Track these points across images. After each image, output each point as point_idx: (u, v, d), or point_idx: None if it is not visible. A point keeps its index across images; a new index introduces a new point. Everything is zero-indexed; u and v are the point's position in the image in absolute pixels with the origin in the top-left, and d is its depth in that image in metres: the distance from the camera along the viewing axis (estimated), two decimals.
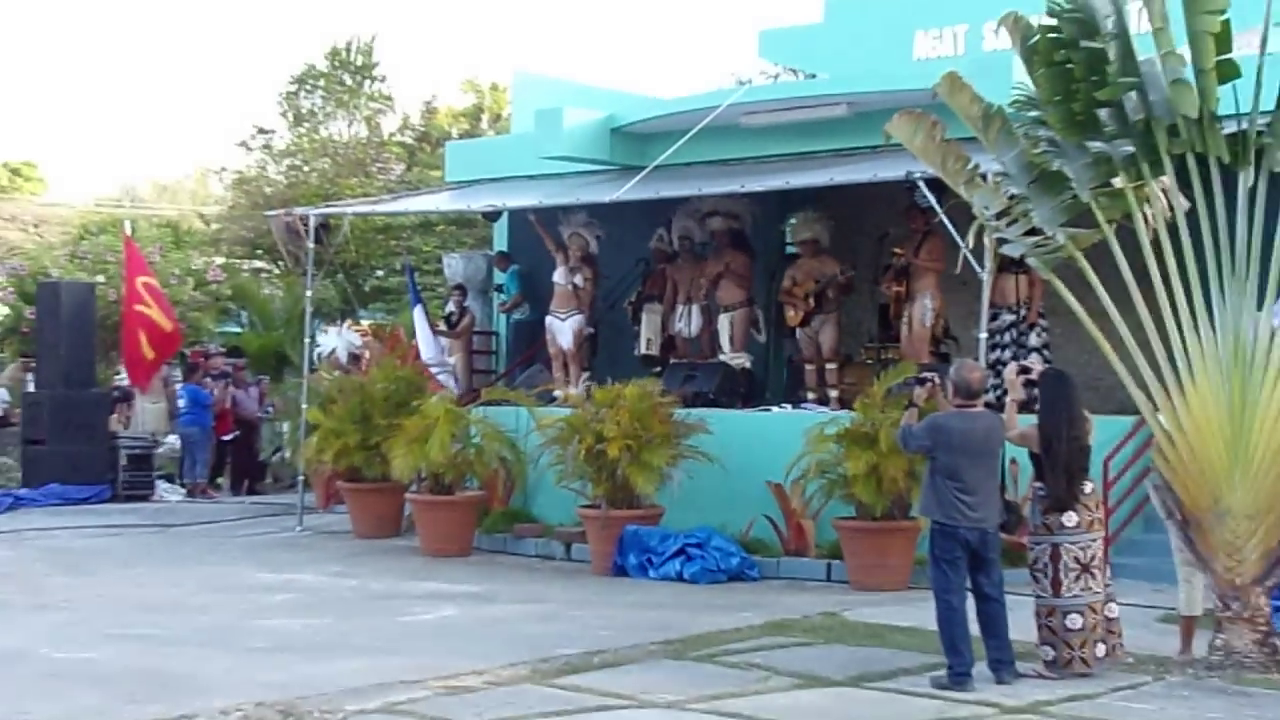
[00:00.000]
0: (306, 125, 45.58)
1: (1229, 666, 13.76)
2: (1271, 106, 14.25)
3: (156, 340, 29.80)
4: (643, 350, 23.83)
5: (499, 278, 26.76)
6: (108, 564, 21.09)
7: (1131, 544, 17.42)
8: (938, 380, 15.19)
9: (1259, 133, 14.28)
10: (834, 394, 21.12)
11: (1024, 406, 15.03)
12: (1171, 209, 14.24)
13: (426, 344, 24.47)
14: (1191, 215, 14.23)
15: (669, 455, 20.18)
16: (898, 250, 21.70)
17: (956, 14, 22.46)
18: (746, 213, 23.29)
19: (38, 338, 30.56)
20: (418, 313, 25.32)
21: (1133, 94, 14.46)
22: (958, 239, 17.88)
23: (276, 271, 35.26)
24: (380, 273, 34.75)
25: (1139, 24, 14.72)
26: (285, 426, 28.99)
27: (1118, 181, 14.48)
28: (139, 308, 29.39)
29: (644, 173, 21.80)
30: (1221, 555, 14.07)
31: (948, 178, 15.99)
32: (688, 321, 23.75)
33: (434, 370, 23.62)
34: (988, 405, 14.61)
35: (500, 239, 26.83)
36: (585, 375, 22.91)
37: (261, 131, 46.15)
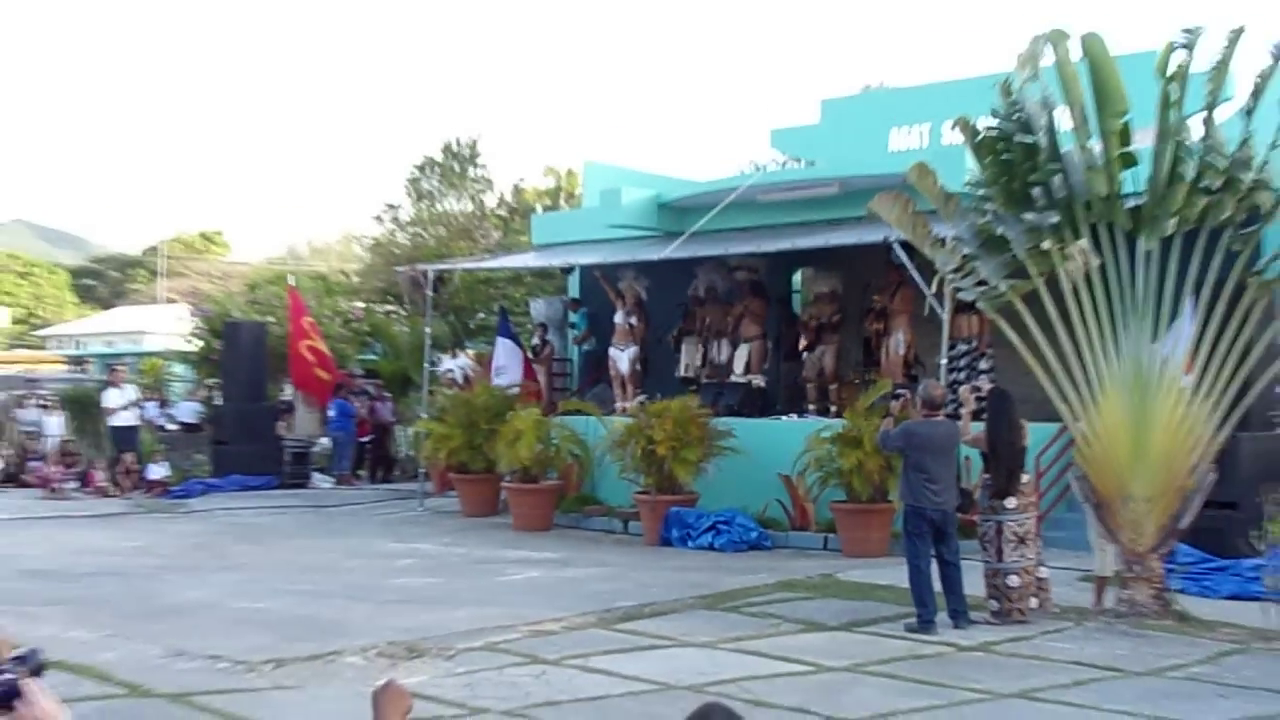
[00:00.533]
0: (425, 201, 45.71)
1: (1132, 615, 13.80)
2: (1163, 189, 14.31)
3: (325, 364, 30.08)
4: (682, 373, 23.81)
5: (572, 318, 26.80)
6: (275, 535, 21.20)
7: (1057, 521, 17.35)
8: (909, 396, 15.30)
9: (1153, 209, 14.33)
10: (834, 407, 21.09)
11: (975, 416, 15.11)
12: (1087, 265, 14.24)
13: (498, 369, 24.52)
14: (1102, 270, 14.26)
15: (703, 453, 20.22)
16: (877, 297, 21.73)
17: (921, 115, 22.46)
18: (762, 267, 23.28)
19: (223, 364, 30.81)
20: (500, 342, 25.40)
21: (1057, 177, 14.53)
22: (924, 288, 17.97)
23: (403, 313, 35.42)
24: (481, 314, 34.84)
25: (1062, 123, 14.75)
26: (410, 431, 29.04)
27: (1046, 244, 14.48)
28: (306, 342, 29.62)
29: (683, 238, 21.87)
30: (1126, 530, 14.10)
31: (916, 242, 16.06)
32: (717, 351, 23.76)
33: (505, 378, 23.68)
34: (947, 415, 14.66)
35: (573, 288, 26.88)
36: (639, 393, 22.92)
37: (390, 207, 46.47)
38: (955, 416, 15.16)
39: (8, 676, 4.76)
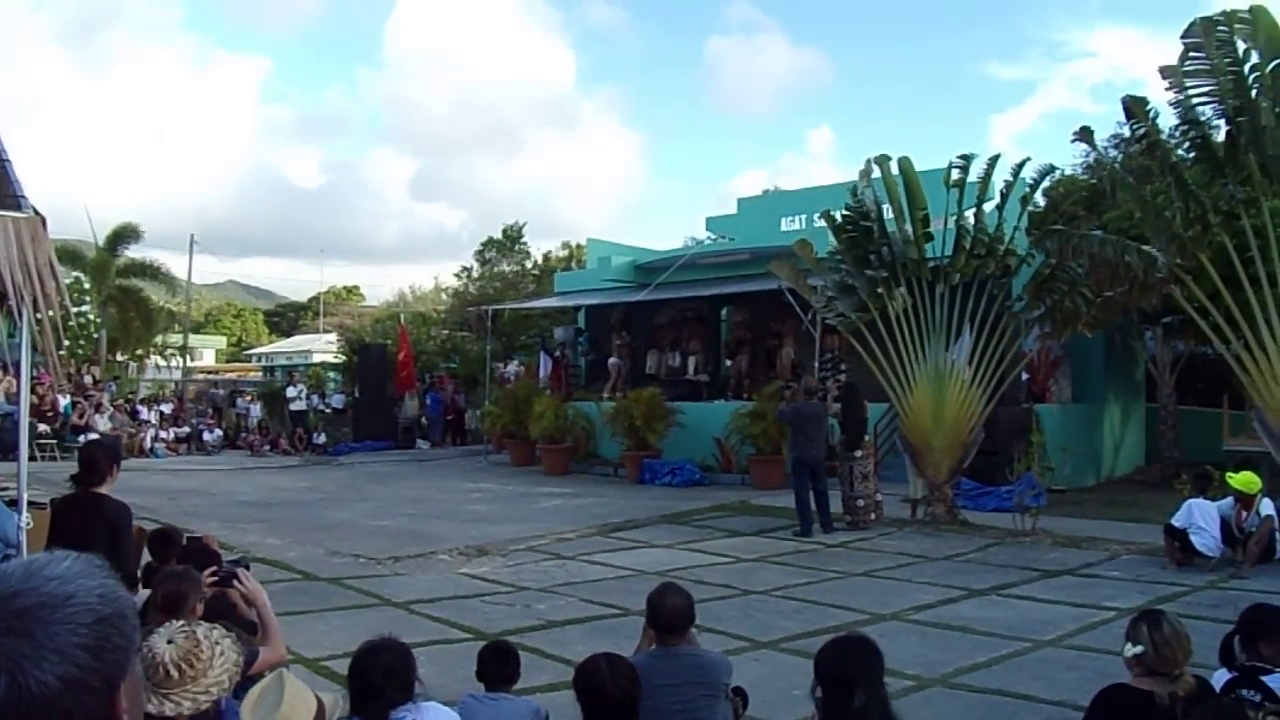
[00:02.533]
0: (488, 265, 45.65)
1: (933, 523, 13.98)
2: (950, 254, 14.47)
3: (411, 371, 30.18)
4: (648, 373, 23.82)
5: (581, 340, 26.75)
6: (392, 479, 21.20)
7: (887, 464, 17.49)
8: (796, 388, 15.37)
9: (944, 268, 14.50)
10: (746, 395, 21.15)
11: (837, 399, 15.25)
12: (904, 304, 14.39)
13: (543, 374, 24.42)
14: (914, 306, 14.40)
15: (665, 424, 20.28)
16: (774, 324, 21.84)
17: (801, 208, 22.47)
18: (703, 306, 23.35)
19: (358, 371, 30.82)
20: (542, 357, 25.32)
21: (885, 248, 14.67)
22: (803, 318, 18.09)
23: (473, 336, 35.34)
24: (523, 337, 34.76)
25: (888, 214, 14.91)
26: (477, 411, 28.99)
27: (879, 290, 14.63)
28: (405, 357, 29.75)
29: (650, 287, 21.95)
30: (929, 469, 14.27)
31: (799, 289, 16.21)
32: (674, 360, 23.81)
33: (542, 385, 23.56)
34: (819, 398, 14.79)
35: (581, 320, 26.89)
36: (625, 387, 22.92)
37: (465, 269, 46.48)
38: (824, 399, 15.35)
39: (229, 567, 4.97)
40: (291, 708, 3.32)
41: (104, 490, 6.57)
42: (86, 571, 1.35)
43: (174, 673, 3.33)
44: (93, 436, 24.09)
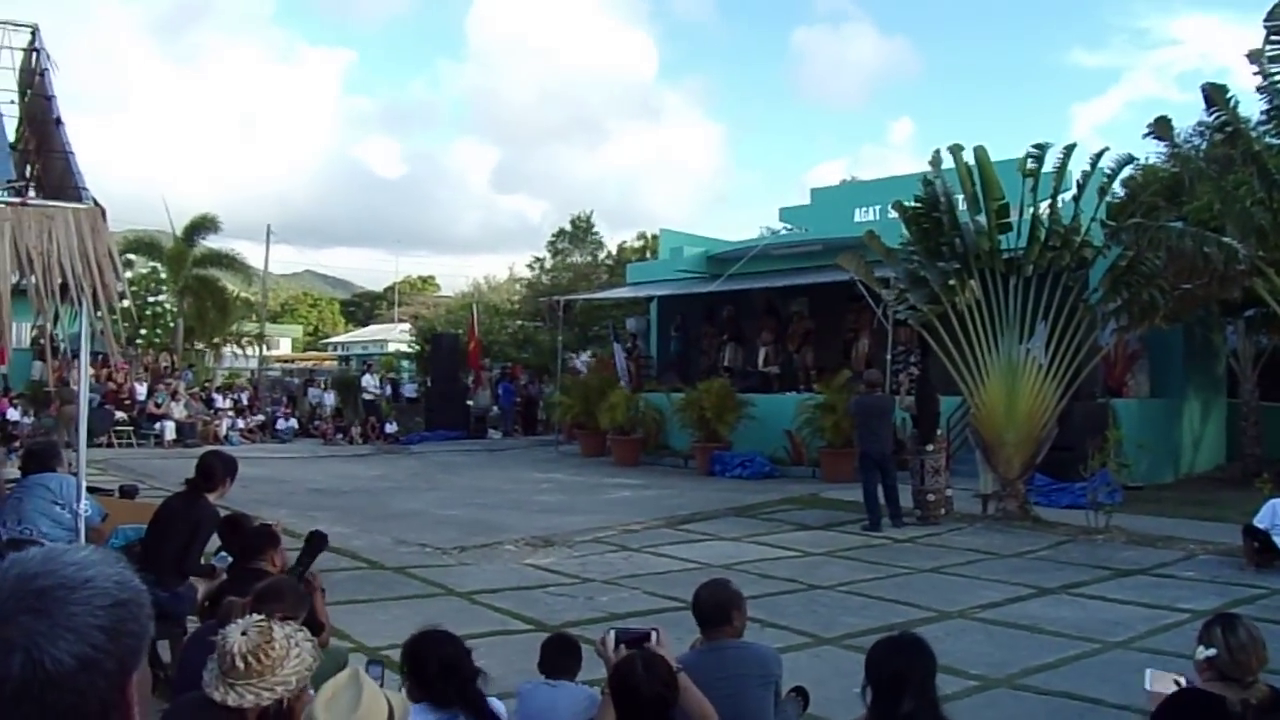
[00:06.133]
0: (560, 256, 45.94)
1: (1004, 519, 13.80)
2: (1024, 245, 14.24)
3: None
4: (725, 364, 23.72)
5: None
6: (463, 469, 21.38)
7: (960, 459, 17.25)
8: (867, 380, 15.15)
9: (1018, 259, 14.28)
10: (816, 387, 20.96)
11: (909, 393, 15.09)
12: (977, 296, 14.21)
13: (620, 367, 24.42)
14: (987, 298, 14.21)
15: (735, 416, 20.22)
16: (849, 315, 21.66)
17: (874, 199, 22.16)
18: (775, 297, 23.24)
19: (431, 360, 31.08)
20: (616, 348, 25.30)
21: (958, 239, 14.48)
22: (875, 310, 17.89)
23: (546, 327, 35.49)
24: (595, 328, 34.83)
25: (961, 204, 14.73)
26: (549, 401, 29.13)
27: (952, 282, 14.45)
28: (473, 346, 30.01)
29: (723, 278, 21.87)
30: (1002, 464, 14.07)
31: (869, 282, 16.06)
32: (746, 350, 23.71)
33: (621, 379, 23.53)
34: (892, 393, 14.66)
35: (653, 312, 26.83)
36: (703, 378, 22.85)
37: (538, 259, 46.85)
38: (895, 393, 15.20)
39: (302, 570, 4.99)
40: (368, 710, 3.31)
41: (212, 498, 6.79)
42: (105, 559, 1.40)
43: (240, 664, 3.36)
44: (169, 424, 24.72)
